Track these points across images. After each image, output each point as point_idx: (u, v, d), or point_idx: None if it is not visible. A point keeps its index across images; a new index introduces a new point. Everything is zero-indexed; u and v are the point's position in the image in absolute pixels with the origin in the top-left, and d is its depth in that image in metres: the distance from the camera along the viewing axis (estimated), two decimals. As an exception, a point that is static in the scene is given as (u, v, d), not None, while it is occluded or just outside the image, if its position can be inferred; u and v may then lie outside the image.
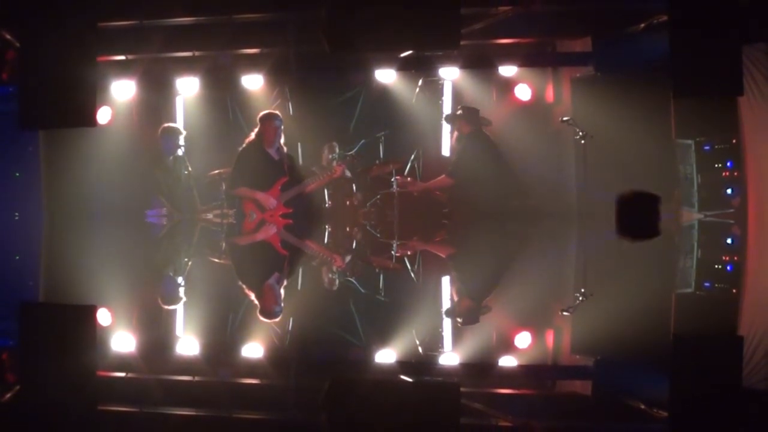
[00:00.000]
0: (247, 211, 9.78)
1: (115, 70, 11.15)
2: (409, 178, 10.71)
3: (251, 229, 9.53)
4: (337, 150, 10.85)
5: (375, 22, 8.63)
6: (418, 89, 11.57)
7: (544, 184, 10.44)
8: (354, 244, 9.46)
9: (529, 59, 11.25)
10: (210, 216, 10.66)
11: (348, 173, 10.56)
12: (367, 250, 8.79)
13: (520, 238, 9.41)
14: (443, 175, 10.27)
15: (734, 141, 10.17)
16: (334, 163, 10.40)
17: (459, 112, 10.38)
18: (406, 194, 10.44)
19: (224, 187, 10.48)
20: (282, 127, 9.72)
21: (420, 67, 11.21)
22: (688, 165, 10.84)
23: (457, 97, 11.58)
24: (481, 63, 11.11)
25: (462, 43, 9.05)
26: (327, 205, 10.62)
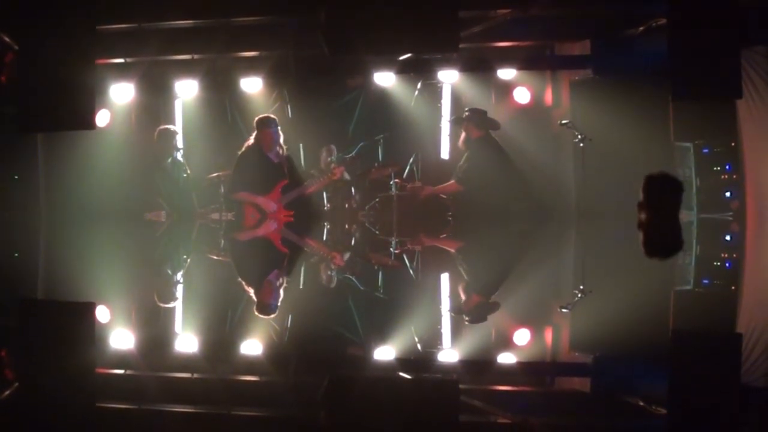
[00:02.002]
0: (247, 215, 9.81)
1: (113, 73, 11.15)
2: (418, 183, 10.69)
3: (252, 225, 9.56)
4: (335, 153, 10.86)
5: (374, 25, 8.64)
6: (416, 92, 11.57)
7: (543, 186, 10.44)
8: (353, 242, 9.46)
9: (527, 62, 11.26)
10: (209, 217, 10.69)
11: (347, 176, 10.57)
12: (366, 247, 8.80)
13: (521, 238, 9.43)
14: (452, 181, 10.20)
15: (733, 144, 10.18)
16: (332, 166, 10.40)
17: (466, 113, 10.31)
18: (407, 197, 10.44)
19: (223, 190, 10.50)
20: (279, 131, 9.75)
21: (419, 70, 11.22)
22: (687, 168, 10.85)
23: (456, 100, 11.60)
24: (479, 66, 11.11)
25: (461, 46, 9.06)
26: (326, 208, 10.63)
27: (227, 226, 10.04)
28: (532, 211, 10.12)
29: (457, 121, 10.44)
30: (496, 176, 9.86)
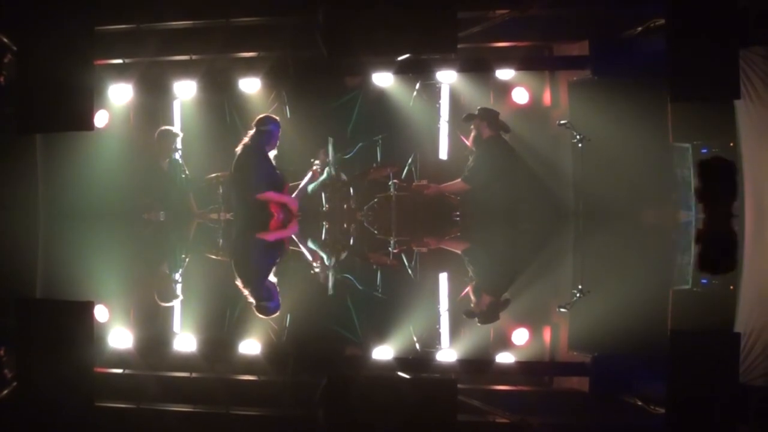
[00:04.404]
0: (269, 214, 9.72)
1: (112, 74, 11.16)
2: (423, 181, 10.69)
3: (277, 225, 9.51)
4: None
5: (372, 25, 8.65)
6: (415, 93, 11.59)
7: (542, 186, 10.46)
8: (351, 242, 9.45)
9: (526, 63, 11.28)
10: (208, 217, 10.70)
11: (344, 176, 10.58)
12: (365, 247, 8.78)
13: (522, 237, 9.44)
14: (459, 180, 10.22)
15: (731, 144, 10.19)
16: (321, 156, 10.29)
17: (479, 112, 10.28)
18: (407, 197, 10.44)
19: (221, 191, 10.50)
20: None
21: (417, 71, 11.23)
22: (686, 168, 10.86)
23: (454, 100, 11.61)
24: (478, 66, 11.13)
25: (459, 46, 9.08)
26: (324, 209, 10.64)
27: (226, 226, 10.03)
28: (536, 212, 10.14)
29: (468, 119, 10.41)
30: (504, 177, 9.87)
